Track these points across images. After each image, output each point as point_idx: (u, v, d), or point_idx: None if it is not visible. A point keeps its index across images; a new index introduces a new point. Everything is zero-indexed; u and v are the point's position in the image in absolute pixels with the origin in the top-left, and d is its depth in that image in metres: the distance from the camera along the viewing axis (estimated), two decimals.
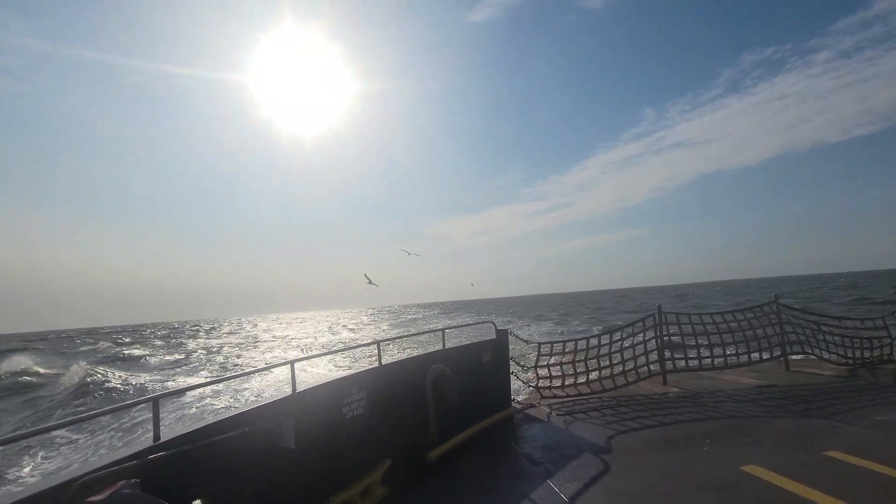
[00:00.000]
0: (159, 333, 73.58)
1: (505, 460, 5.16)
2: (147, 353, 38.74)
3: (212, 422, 3.16)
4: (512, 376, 7.37)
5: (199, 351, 38.60)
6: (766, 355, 8.72)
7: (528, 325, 40.58)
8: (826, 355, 8.67)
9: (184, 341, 51.25)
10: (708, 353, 8.55)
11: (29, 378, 23.73)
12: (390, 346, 25.00)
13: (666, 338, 8.30)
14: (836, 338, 8.77)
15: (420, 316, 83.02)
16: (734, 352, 8.63)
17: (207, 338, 56.33)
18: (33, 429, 2.41)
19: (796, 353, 8.77)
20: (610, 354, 8.12)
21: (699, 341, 8.55)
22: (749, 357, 8.64)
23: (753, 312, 8.84)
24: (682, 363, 8.40)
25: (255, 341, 46.51)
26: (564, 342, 7.97)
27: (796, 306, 9.22)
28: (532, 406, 7.23)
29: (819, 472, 4.06)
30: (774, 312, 8.75)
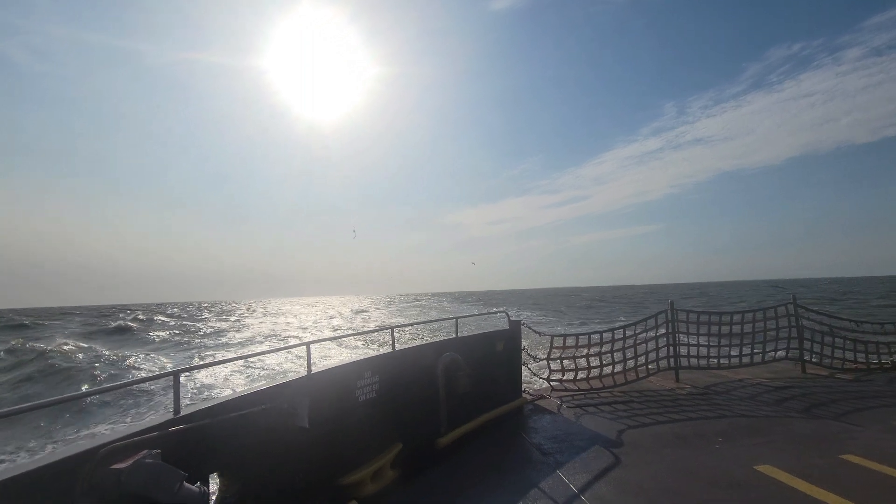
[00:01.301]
0: (171, 312, 75.44)
1: (514, 449, 5.19)
2: (168, 330, 39.87)
3: (229, 398, 3.24)
4: (523, 367, 7.39)
5: (223, 330, 39.87)
6: (781, 355, 8.59)
7: (540, 318, 40.55)
8: (847, 358, 8.52)
9: (207, 321, 52.77)
10: (722, 352, 8.45)
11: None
12: (403, 331, 25.28)
13: (678, 335, 8.23)
14: (854, 343, 8.60)
15: (433, 304, 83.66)
16: (748, 351, 8.51)
17: (233, 318, 58.06)
18: (57, 397, 2.50)
19: (813, 355, 8.62)
20: (624, 350, 8.08)
21: (712, 340, 8.46)
22: (763, 357, 8.54)
23: (768, 313, 8.70)
24: (695, 360, 8.32)
25: (302, 323, 48.56)
26: (577, 335, 7.94)
27: (815, 308, 9.03)
28: (542, 397, 7.25)
29: (834, 474, 4.00)
30: (792, 313, 8.60)
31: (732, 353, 8.47)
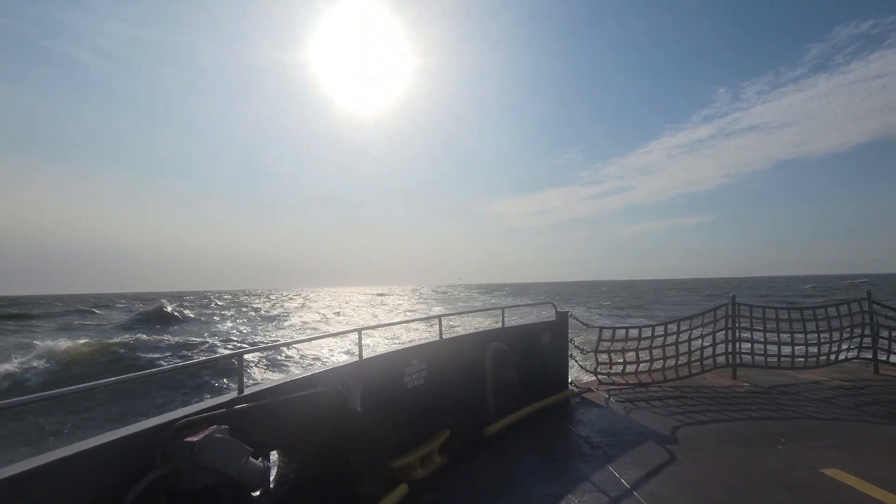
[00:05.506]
0: (231, 301, 79.93)
1: (562, 441, 5.14)
2: (231, 315, 42.45)
3: (288, 380, 3.42)
4: (570, 359, 7.28)
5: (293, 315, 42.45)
6: (851, 355, 7.97)
7: (586, 310, 39.68)
8: None
9: (279, 307, 56.15)
10: (786, 350, 7.93)
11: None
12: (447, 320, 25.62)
13: (739, 330, 7.79)
14: None
15: (476, 295, 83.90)
16: (816, 351, 7.92)
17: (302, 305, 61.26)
18: (134, 374, 2.70)
19: (890, 355, 7.91)
20: (677, 344, 7.74)
21: (777, 337, 7.95)
22: (837, 357, 7.92)
23: (839, 309, 8.05)
24: (755, 358, 7.86)
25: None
26: (627, 328, 7.70)
27: (892, 305, 8.26)
28: (590, 390, 7.11)
29: None
30: (866, 310, 7.93)
31: (797, 351, 7.93)
